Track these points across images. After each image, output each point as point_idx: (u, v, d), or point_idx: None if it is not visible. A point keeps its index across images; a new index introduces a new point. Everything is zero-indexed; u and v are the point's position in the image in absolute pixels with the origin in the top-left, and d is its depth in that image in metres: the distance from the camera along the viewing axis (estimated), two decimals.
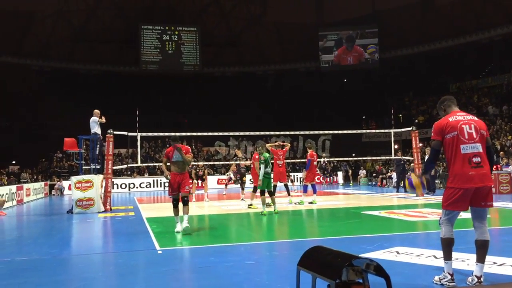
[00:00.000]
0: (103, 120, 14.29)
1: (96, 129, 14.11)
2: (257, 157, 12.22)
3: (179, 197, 8.67)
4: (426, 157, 17.65)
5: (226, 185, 19.71)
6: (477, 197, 4.56)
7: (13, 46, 35.84)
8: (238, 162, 16.61)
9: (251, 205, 13.40)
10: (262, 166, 11.61)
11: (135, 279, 5.48)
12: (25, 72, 36.75)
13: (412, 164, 18.92)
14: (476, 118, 4.78)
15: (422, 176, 14.56)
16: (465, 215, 4.75)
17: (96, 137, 14.18)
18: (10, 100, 33.75)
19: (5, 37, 34.28)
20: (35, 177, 28.07)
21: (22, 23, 35.50)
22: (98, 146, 14.31)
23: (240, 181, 16.38)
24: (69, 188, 19.47)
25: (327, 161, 26.98)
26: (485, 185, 4.55)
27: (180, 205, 8.71)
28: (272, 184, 12.27)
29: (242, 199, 16.02)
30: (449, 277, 4.62)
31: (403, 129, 20.03)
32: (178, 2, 40.15)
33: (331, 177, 29.73)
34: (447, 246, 4.66)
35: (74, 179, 13.82)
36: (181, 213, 8.69)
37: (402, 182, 19.89)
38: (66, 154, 28.54)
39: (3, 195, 15.53)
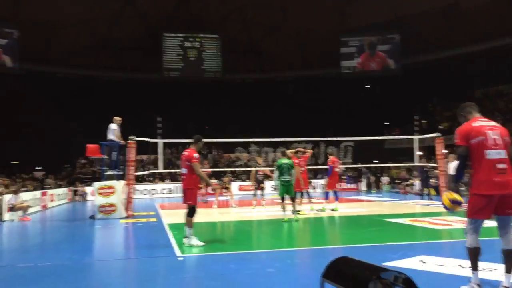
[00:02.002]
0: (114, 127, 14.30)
1: (112, 135, 14.17)
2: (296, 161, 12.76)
3: None
4: (449, 164, 17.34)
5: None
6: (502, 205, 4.43)
7: (38, 54, 36.53)
8: (257, 169, 16.53)
9: (299, 211, 12.91)
10: (276, 173, 11.57)
11: (155, 286, 5.47)
12: (50, 79, 37.44)
13: (435, 171, 18.60)
14: (498, 125, 4.68)
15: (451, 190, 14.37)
16: (491, 223, 4.61)
17: (115, 144, 14.26)
18: (35, 106, 34.39)
19: (31, 45, 34.96)
20: (58, 182, 28.47)
21: (46, 31, 36.17)
22: (116, 152, 14.38)
23: (257, 188, 16.28)
24: (92, 194, 19.69)
25: (344, 168, 26.68)
26: (509, 192, 4.41)
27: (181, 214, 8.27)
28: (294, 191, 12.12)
29: (263, 205, 16.03)
30: (477, 287, 4.48)
31: (426, 136, 19.70)
32: (199, 10, 40.38)
33: (355, 184, 29.48)
34: (474, 256, 4.54)
35: (96, 185, 13.94)
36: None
37: (426, 189, 19.59)
38: (89, 160, 28.89)
39: (28, 200, 15.77)
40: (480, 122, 4.62)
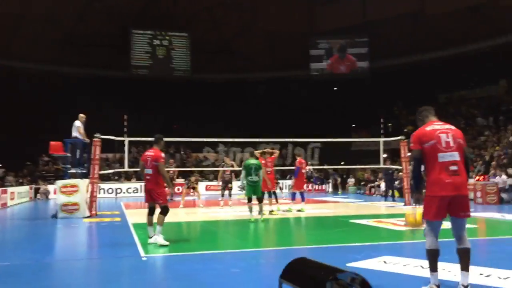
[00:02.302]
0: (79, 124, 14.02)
1: (76, 133, 13.89)
2: (263, 161, 12.83)
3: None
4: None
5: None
6: (454, 207, 4.55)
7: (1, 49, 35.45)
8: (224, 168, 16.48)
9: (272, 211, 13.33)
10: (243, 173, 11.59)
11: (118, 287, 5.38)
12: (12, 74, 36.35)
13: (400, 173, 18.97)
14: (453, 127, 4.79)
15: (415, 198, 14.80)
16: (450, 225, 4.74)
17: (78, 141, 13.96)
18: None
19: None
20: (20, 180, 27.69)
21: (10, 25, 35.12)
22: (80, 150, 14.09)
23: (224, 188, 16.28)
24: (55, 193, 19.24)
25: (312, 169, 26.99)
26: (460, 193, 4.54)
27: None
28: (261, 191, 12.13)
29: (230, 206, 16.06)
30: None
31: (392, 138, 20.08)
32: (169, 8, 40.00)
33: (322, 185, 29.79)
34: (432, 257, 4.64)
35: (59, 183, 13.61)
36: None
37: (390, 191, 19.95)
38: (52, 158, 28.20)
39: None
40: (434, 126, 4.73)
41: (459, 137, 4.69)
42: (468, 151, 4.84)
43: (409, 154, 17.03)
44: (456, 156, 4.58)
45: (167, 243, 7.78)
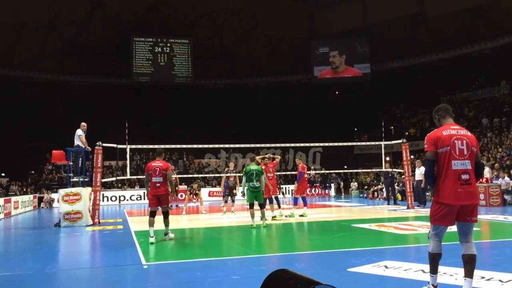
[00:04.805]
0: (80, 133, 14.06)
1: (78, 141, 13.93)
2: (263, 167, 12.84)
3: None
4: (416, 170, 17.73)
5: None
6: (463, 213, 4.54)
7: (3, 58, 35.65)
8: (228, 175, 16.45)
9: (275, 217, 13.35)
10: (244, 178, 11.58)
11: None
12: (15, 83, 36.56)
13: (403, 176, 18.91)
14: (469, 133, 4.70)
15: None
16: (455, 228, 4.71)
17: (80, 150, 13.99)
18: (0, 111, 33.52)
19: None
20: (24, 189, 27.76)
21: (12, 35, 35.35)
22: (81, 159, 14.10)
23: (229, 194, 16.23)
24: (58, 201, 19.26)
25: (315, 173, 26.96)
26: (471, 203, 4.52)
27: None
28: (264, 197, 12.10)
29: (232, 212, 16.03)
30: None
31: (393, 142, 20.04)
32: (170, 14, 40.22)
33: (324, 189, 29.71)
34: (434, 261, 4.67)
35: (62, 192, 13.64)
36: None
37: (391, 194, 19.86)
38: (56, 167, 28.28)
39: None
40: (450, 130, 4.63)
41: (473, 145, 4.61)
42: (479, 157, 4.79)
43: (412, 157, 16.99)
44: (468, 164, 4.54)
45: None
